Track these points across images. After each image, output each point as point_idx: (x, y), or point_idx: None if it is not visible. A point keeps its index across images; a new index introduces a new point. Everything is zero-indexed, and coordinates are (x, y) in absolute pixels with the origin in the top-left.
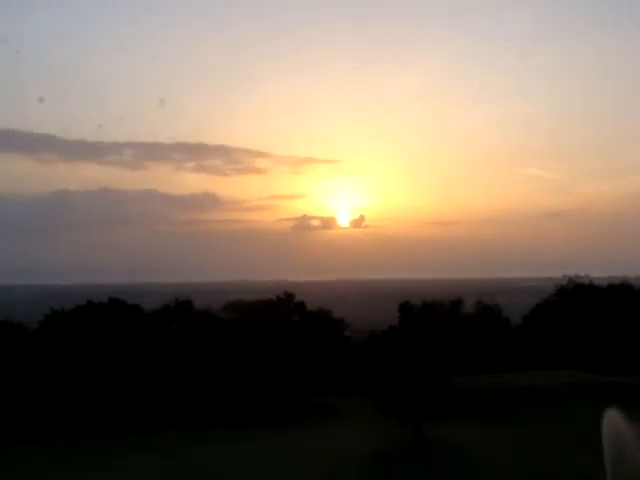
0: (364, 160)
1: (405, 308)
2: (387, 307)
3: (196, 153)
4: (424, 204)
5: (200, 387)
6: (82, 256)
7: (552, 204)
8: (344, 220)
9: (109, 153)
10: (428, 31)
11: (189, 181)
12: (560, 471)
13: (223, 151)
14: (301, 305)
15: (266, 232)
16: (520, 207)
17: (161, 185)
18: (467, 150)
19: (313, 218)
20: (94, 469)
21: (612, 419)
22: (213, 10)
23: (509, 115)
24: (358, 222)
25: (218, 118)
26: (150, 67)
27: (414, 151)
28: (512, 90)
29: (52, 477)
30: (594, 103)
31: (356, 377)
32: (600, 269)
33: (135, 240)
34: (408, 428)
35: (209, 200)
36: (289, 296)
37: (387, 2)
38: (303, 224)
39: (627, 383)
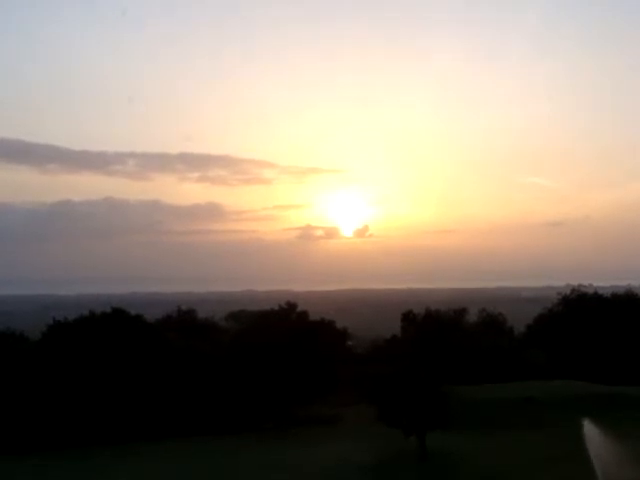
0: (368, 170)
1: (408, 317)
2: (390, 316)
3: (200, 163)
4: (427, 213)
5: (201, 396)
6: (85, 266)
7: (555, 213)
8: (348, 230)
9: (113, 163)
10: (431, 41)
11: (193, 191)
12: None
13: (227, 161)
14: (304, 315)
15: (270, 242)
16: (523, 216)
17: (165, 195)
18: (470, 159)
19: (317, 228)
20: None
21: (591, 431)
22: (218, 21)
23: (511, 124)
24: (362, 232)
25: (222, 128)
26: (153, 77)
27: (417, 161)
28: (514, 98)
29: None
30: (597, 111)
31: (359, 386)
32: (603, 278)
33: (139, 250)
34: (411, 438)
35: (213, 210)
36: (291, 306)
37: (391, 13)
38: (307, 234)
39: (631, 393)
